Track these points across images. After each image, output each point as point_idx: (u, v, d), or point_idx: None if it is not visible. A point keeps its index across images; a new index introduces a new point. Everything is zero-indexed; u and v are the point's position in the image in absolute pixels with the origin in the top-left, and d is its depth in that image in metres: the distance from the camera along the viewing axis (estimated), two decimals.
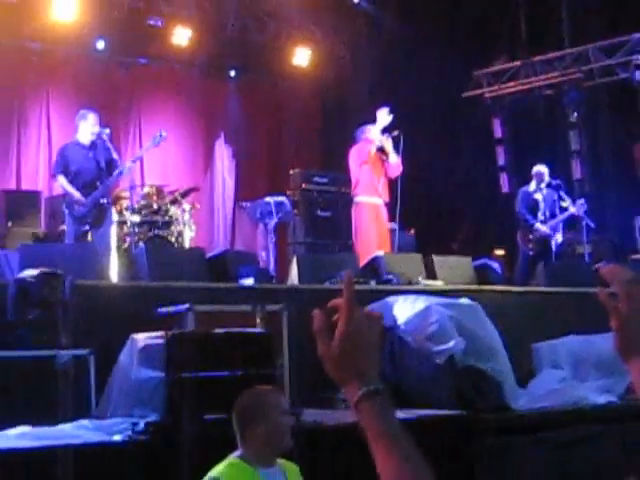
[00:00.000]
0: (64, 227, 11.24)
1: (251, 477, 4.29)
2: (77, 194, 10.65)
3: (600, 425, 7.73)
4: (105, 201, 10.87)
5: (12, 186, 13.45)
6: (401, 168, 11.78)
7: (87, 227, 10.65)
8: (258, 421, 4.37)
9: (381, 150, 11.84)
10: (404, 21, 15.32)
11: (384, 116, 11.78)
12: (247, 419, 4.42)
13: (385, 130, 11.82)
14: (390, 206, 11.91)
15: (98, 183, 10.73)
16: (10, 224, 11.74)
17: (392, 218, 11.98)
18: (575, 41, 16.09)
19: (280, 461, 4.44)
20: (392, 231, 12.01)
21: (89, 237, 10.60)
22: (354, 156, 11.93)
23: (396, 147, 11.81)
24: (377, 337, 1.81)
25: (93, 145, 10.89)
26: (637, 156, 15.17)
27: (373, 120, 12.02)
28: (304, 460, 4.77)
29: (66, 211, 10.87)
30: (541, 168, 12.96)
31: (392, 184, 11.90)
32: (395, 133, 11.81)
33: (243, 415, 4.46)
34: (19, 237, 11.34)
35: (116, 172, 10.88)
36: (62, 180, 10.79)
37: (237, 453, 4.38)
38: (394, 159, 11.77)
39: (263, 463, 4.34)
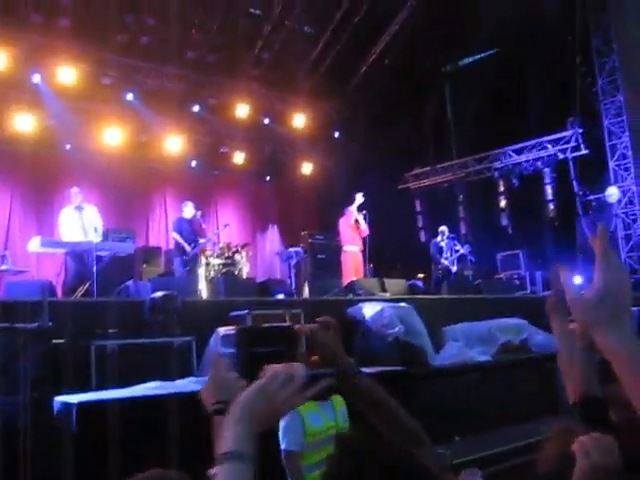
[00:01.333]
0: (173, 267, 11.33)
1: (312, 405, 4.21)
2: (188, 247, 10.76)
3: (479, 373, 7.76)
4: (197, 252, 10.98)
5: (145, 244, 13.51)
6: (368, 232, 11.92)
7: (188, 268, 10.72)
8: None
9: (356, 221, 11.98)
10: (363, 146, 15.49)
11: (359, 198, 11.96)
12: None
13: (359, 209, 11.99)
14: (364, 251, 12.05)
15: (193, 243, 10.84)
16: (144, 266, 11.77)
17: (364, 257, 12.09)
18: (459, 155, 16.21)
19: (333, 397, 4.42)
20: (364, 266, 12.11)
21: (191, 274, 10.68)
22: (343, 223, 12.11)
23: (365, 219, 11.96)
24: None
25: (191, 221, 11.02)
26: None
27: (350, 201, 12.17)
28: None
29: (178, 257, 10.96)
30: (443, 228, 13.07)
31: (364, 239, 12.05)
32: (364, 212, 11.96)
33: None
34: (149, 273, 11.36)
35: (200, 242, 11.02)
36: (177, 236, 10.94)
37: None
38: (364, 226, 11.92)
39: (320, 397, 4.32)
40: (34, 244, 9.03)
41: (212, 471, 1.21)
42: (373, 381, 1.65)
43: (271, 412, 1.27)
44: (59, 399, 5.09)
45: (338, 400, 4.48)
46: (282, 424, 4.28)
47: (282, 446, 4.29)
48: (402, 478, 1.28)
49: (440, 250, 12.79)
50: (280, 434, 4.33)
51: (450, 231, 13.19)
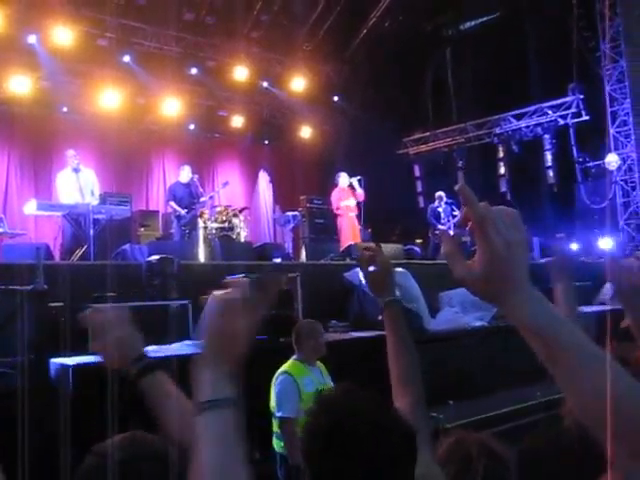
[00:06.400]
0: (172, 231, 11.27)
1: (305, 371, 4.41)
2: (183, 212, 10.68)
3: (474, 338, 7.79)
4: (196, 216, 10.91)
5: (144, 207, 13.47)
6: (363, 196, 11.77)
7: (187, 231, 10.68)
8: (310, 338, 4.45)
9: (351, 186, 11.83)
10: (362, 110, 15.31)
11: (346, 178, 11.81)
12: (304, 337, 4.50)
13: (353, 175, 11.84)
14: (359, 216, 11.92)
15: (192, 206, 10.76)
16: (142, 229, 11.74)
17: (360, 223, 11.98)
18: (459, 120, 16.09)
19: (317, 362, 4.56)
20: (360, 230, 12.02)
21: (187, 237, 10.63)
22: (335, 194, 11.91)
23: (360, 184, 11.81)
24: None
25: (188, 184, 10.94)
26: None
27: (344, 169, 12.03)
28: None
29: (175, 221, 10.89)
30: (441, 193, 12.98)
31: (359, 204, 11.90)
32: (358, 177, 11.78)
33: (301, 334, 4.54)
34: (147, 237, 11.34)
35: (201, 201, 10.94)
36: (173, 204, 10.83)
37: (295, 357, 4.52)
38: (359, 190, 11.74)
39: (310, 363, 4.41)
40: (30, 207, 9.00)
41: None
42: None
43: (233, 343, 1.15)
44: (56, 361, 5.10)
45: (322, 365, 4.61)
46: (276, 391, 4.30)
47: (278, 414, 4.31)
48: (381, 434, 1.26)
49: (437, 215, 12.72)
50: (275, 401, 4.35)
51: (448, 197, 13.14)
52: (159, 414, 1.51)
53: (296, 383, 4.31)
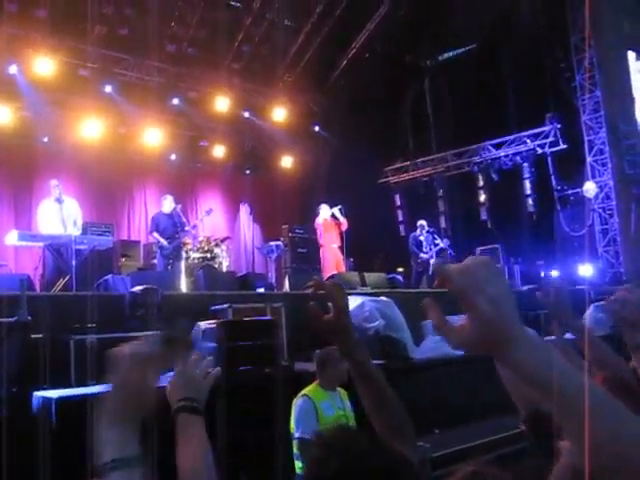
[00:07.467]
0: (154, 261, 11.20)
1: (324, 395, 4.55)
2: (165, 242, 10.62)
3: (459, 366, 7.79)
4: (179, 246, 10.86)
5: (125, 237, 13.40)
6: (346, 225, 11.84)
7: (170, 261, 10.62)
8: (332, 365, 4.50)
9: (333, 215, 11.91)
10: (343, 140, 15.43)
11: (327, 210, 11.91)
12: (325, 364, 4.65)
13: (334, 205, 11.92)
14: (342, 247, 11.97)
15: (176, 235, 10.71)
16: (123, 260, 11.65)
17: (343, 253, 12.02)
18: (439, 149, 16.27)
19: (338, 388, 4.66)
20: (344, 260, 12.04)
21: (170, 267, 10.57)
22: (319, 224, 11.99)
23: (341, 213, 11.88)
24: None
25: (171, 214, 10.89)
26: None
27: (326, 198, 12.10)
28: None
29: (158, 251, 10.82)
30: (422, 222, 13.07)
31: (342, 234, 11.96)
32: (339, 206, 11.86)
33: (323, 361, 4.68)
34: (128, 267, 11.25)
35: (185, 230, 10.89)
36: (156, 235, 10.75)
37: (316, 382, 4.66)
38: (342, 219, 11.82)
39: (331, 388, 4.49)
40: (12, 237, 8.92)
41: None
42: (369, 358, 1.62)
43: (139, 398, 1.14)
44: (38, 394, 5.04)
45: (343, 391, 4.71)
46: (295, 412, 4.43)
47: (296, 435, 4.41)
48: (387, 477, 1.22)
49: (419, 244, 12.80)
50: (294, 422, 4.45)
51: (430, 225, 13.23)
52: (178, 449, 1.55)
53: (315, 405, 4.43)
